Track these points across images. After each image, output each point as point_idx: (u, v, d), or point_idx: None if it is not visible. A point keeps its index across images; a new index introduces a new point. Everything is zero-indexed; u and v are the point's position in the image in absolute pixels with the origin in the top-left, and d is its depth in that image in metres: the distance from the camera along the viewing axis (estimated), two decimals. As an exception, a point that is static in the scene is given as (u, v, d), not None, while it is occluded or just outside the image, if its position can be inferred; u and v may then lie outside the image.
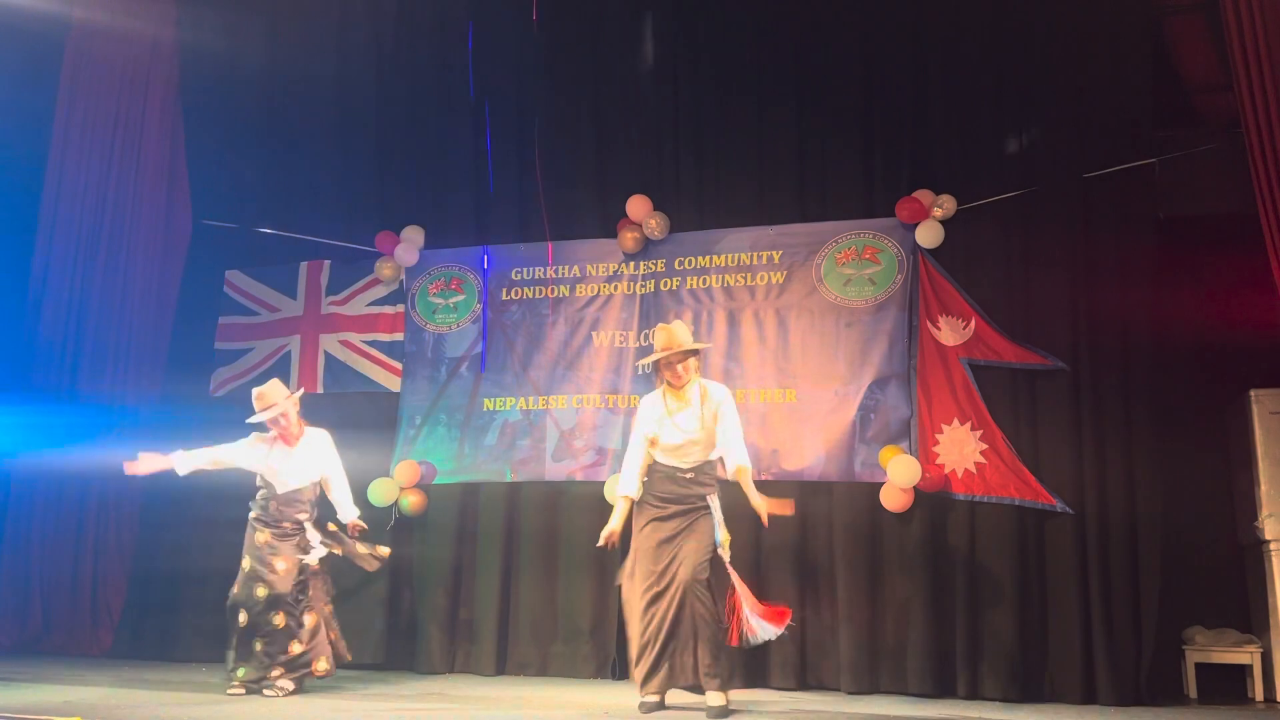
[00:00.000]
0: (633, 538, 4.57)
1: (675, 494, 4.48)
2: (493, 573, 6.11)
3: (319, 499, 5.18)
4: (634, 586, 4.46)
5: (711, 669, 4.31)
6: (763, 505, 4.47)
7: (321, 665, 4.99)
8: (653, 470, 4.58)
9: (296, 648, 4.92)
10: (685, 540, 4.40)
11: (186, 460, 5.12)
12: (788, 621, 4.37)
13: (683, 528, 4.43)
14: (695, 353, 4.59)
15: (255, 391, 5.10)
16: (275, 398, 5.04)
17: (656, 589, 4.37)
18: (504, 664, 6.02)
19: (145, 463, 5.08)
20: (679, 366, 4.53)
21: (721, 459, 4.58)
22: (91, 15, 7.32)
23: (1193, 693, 5.49)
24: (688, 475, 4.49)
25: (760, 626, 4.29)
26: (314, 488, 5.17)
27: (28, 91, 7.49)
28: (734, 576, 4.38)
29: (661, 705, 4.42)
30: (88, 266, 7.21)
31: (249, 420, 5.08)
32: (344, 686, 5.28)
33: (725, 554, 4.39)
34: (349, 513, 5.26)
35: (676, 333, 4.56)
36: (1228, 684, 5.53)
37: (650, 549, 4.44)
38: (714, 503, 4.47)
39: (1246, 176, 5.02)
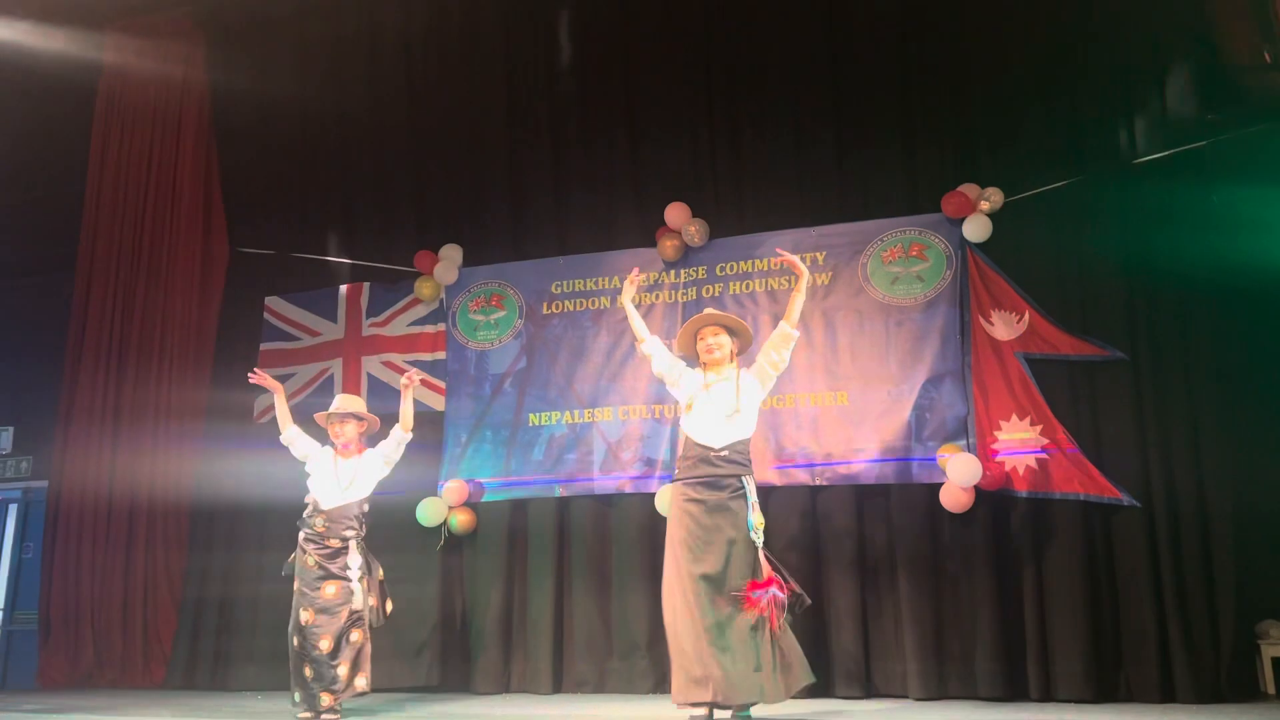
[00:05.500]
0: (667, 530, 4.39)
1: (710, 476, 4.30)
2: (545, 590, 6.03)
3: (366, 517, 5.10)
4: (677, 585, 4.26)
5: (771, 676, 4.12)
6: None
7: (360, 682, 4.81)
8: (686, 451, 4.44)
9: (343, 670, 4.76)
10: (726, 535, 4.22)
11: (284, 406, 5.17)
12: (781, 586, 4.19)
13: (720, 518, 4.24)
14: (730, 331, 4.51)
15: (341, 396, 5.20)
16: (355, 406, 5.14)
17: (702, 589, 4.18)
18: (560, 682, 5.93)
19: (266, 379, 5.22)
20: (709, 340, 4.47)
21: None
22: (121, 59, 7.45)
23: (1269, 688, 5.30)
24: (721, 454, 4.32)
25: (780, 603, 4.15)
26: (361, 504, 5.06)
27: (63, 136, 7.62)
28: (764, 561, 4.22)
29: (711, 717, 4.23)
30: (127, 302, 7.29)
31: (316, 416, 5.17)
32: (401, 708, 5.21)
33: (759, 539, 4.24)
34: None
35: (705, 314, 4.62)
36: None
37: (689, 541, 4.24)
38: (749, 484, 4.33)
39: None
